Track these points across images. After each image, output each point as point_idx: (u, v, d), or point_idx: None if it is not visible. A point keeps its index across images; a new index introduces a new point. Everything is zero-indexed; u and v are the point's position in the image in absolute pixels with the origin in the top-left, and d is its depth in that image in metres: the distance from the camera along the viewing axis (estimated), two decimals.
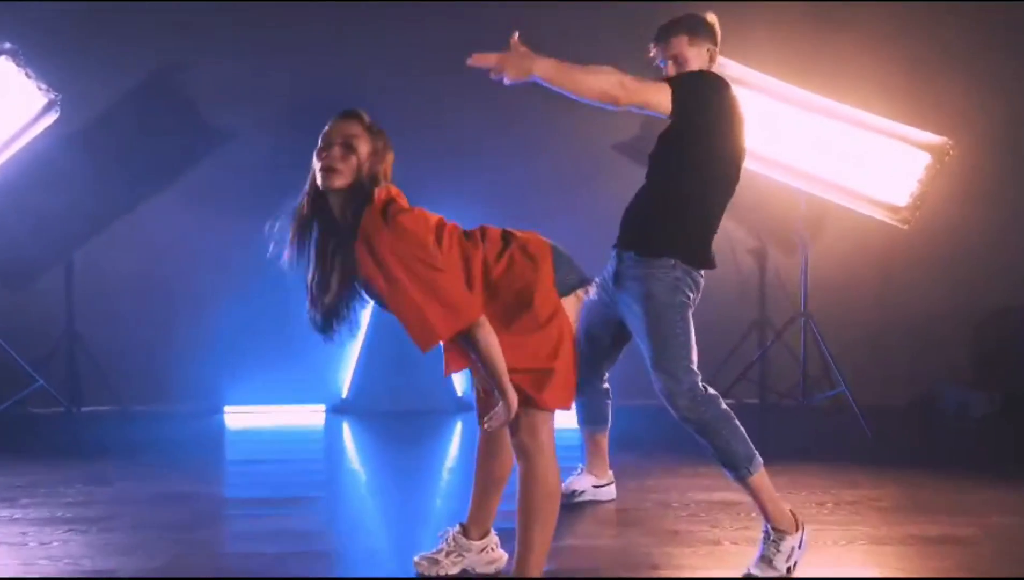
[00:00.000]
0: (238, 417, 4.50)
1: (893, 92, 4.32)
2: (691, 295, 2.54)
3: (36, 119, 3.80)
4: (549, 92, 2.31)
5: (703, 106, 2.46)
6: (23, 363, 4.22)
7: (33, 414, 4.35)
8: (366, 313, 4.41)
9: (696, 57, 2.58)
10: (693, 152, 2.51)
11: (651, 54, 2.67)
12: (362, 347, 4.53)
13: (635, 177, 2.74)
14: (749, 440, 2.47)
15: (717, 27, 2.65)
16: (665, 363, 2.47)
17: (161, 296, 4.45)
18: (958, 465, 3.52)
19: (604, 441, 3.06)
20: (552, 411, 2.16)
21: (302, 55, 4.40)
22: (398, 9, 4.38)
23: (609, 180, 4.25)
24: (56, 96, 3.82)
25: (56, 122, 3.91)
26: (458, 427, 4.28)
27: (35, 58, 3.86)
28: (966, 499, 3.08)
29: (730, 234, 4.47)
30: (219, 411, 4.51)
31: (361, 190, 2.06)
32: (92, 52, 4.28)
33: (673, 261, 2.51)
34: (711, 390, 2.50)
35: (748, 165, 3.93)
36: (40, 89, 3.80)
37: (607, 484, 3.09)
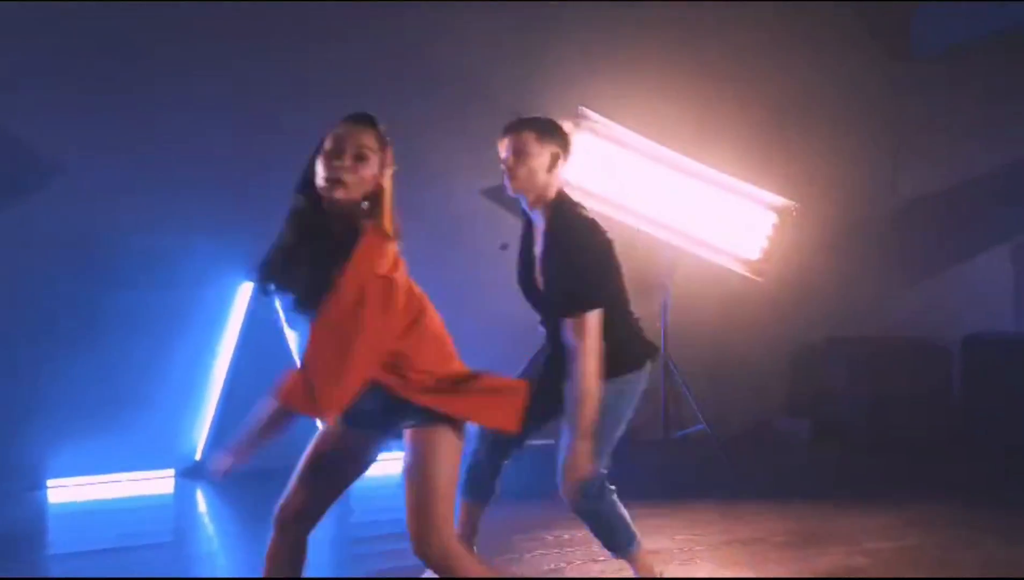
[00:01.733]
0: (64, 493, 3.96)
1: (751, 147, 4.82)
2: None
3: None
4: None
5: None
6: None
7: None
8: (222, 363, 4.15)
9: (538, 156, 2.48)
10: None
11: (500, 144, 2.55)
12: (219, 400, 4.19)
13: None
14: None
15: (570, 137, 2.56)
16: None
17: None
18: (812, 492, 3.96)
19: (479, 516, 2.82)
20: None
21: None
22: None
23: None
24: None
25: None
26: None
27: None
28: (839, 527, 3.49)
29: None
30: (40, 486, 3.96)
31: (360, 208, 1.96)
32: None
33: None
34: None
35: (616, 215, 4.34)
36: None
37: None
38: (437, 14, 4.44)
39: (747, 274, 4.32)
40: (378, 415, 2.04)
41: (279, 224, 2.01)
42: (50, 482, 3.98)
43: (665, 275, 4.56)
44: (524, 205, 2.56)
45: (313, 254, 1.96)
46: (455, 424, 2.04)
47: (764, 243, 4.29)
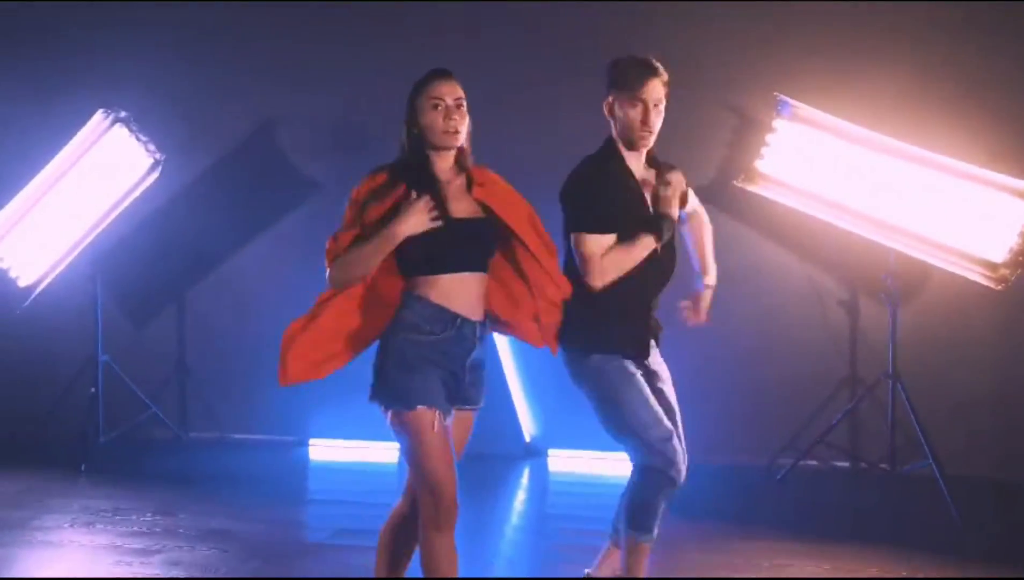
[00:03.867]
0: (322, 451, 4.73)
1: (984, 130, 3.92)
2: None
3: (143, 178, 4.23)
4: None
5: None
6: (139, 392, 4.67)
7: (146, 439, 4.78)
8: None
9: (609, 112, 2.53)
10: None
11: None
12: None
13: None
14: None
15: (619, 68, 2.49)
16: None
17: (257, 332, 4.62)
18: None
19: None
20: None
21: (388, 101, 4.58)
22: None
23: None
24: (161, 157, 4.24)
25: (164, 176, 4.32)
26: (525, 473, 4.28)
27: (141, 120, 4.28)
28: None
29: (817, 282, 4.21)
30: (305, 443, 4.77)
31: (462, 152, 2.33)
32: (194, 112, 4.66)
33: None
34: None
35: (822, 215, 3.83)
36: (148, 152, 4.23)
37: None
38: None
39: (988, 282, 3.48)
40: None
41: None
42: (312, 440, 4.79)
43: (892, 284, 3.87)
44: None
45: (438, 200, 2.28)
46: None
47: (1014, 241, 3.43)
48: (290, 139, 4.71)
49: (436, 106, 2.24)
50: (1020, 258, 3.41)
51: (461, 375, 2.25)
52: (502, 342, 4.36)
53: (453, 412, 2.26)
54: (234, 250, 4.83)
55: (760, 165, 3.88)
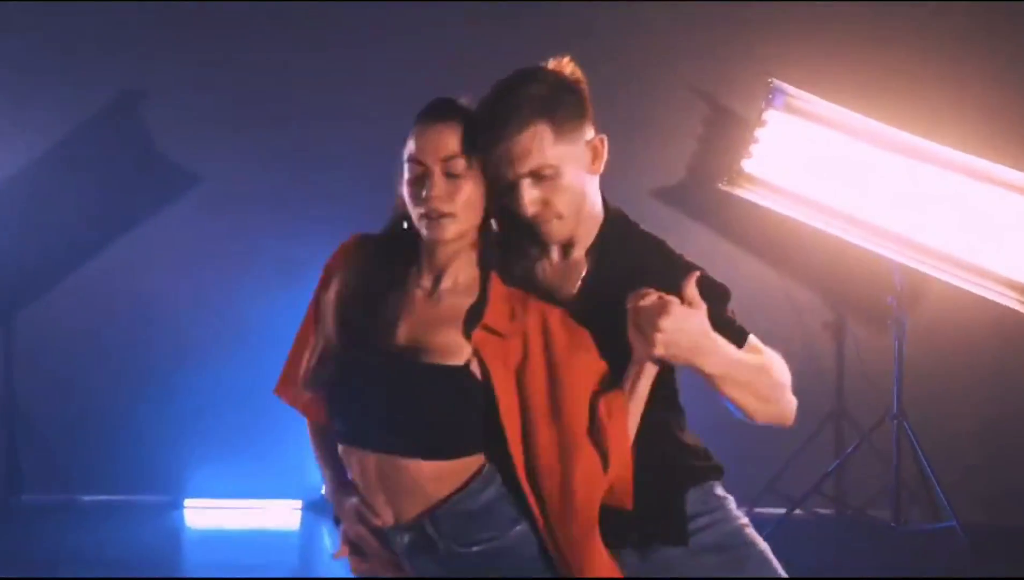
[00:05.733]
0: (200, 514, 3.93)
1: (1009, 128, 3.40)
2: None
3: None
4: None
5: None
6: None
7: None
8: None
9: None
10: None
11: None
12: None
13: None
14: None
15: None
16: None
17: (113, 365, 3.90)
18: None
19: None
20: None
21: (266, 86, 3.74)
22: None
23: None
24: None
25: None
26: None
27: None
28: None
29: (796, 298, 3.66)
30: (179, 505, 3.95)
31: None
32: (33, 91, 3.75)
33: None
34: None
35: (821, 225, 3.25)
36: None
37: None
38: None
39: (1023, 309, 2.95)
40: None
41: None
42: (187, 501, 3.96)
43: (898, 307, 3.31)
44: None
45: None
46: None
47: None
48: (160, 118, 3.82)
49: (413, 170, 1.39)
50: None
51: None
52: None
53: None
54: (81, 258, 3.92)
55: (747, 165, 3.26)
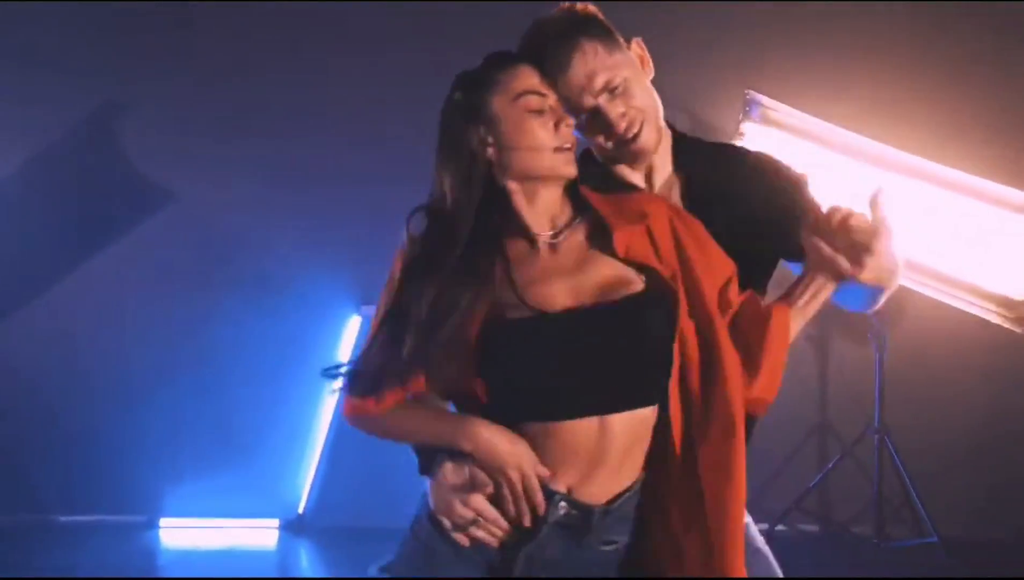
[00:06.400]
0: (175, 534, 3.86)
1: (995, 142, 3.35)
2: None
3: None
4: None
5: None
6: None
7: None
8: (328, 409, 3.77)
9: None
10: None
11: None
12: (323, 450, 3.84)
13: None
14: None
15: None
16: None
17: (86, 381, 3.84)
18: None
19: None
20: None
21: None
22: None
23: None
24: None
25: None
26: None
27: None
28: None
29: None
30: (154, 525, 3.89)
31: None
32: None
33: None
34: None
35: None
36: None
37: None
38: None
39: (1005, 322, 2.91)
40: None
41: (388, 253, 1.40)
42: (163, 521, 3.89)
43: (878, 321, 3.27)
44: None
45: None
46: None
47: None
48: (136, 132, 3.79)
49: (539, 110, 1.32)
50: None
51: None
52: None
53: None
54: (52, 270, 3.88)
55: None
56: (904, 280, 2.96)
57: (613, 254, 1.29)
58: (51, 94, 3.74)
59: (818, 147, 3.15)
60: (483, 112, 1.30)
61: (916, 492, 3.25)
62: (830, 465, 3.50)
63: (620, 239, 1.29)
